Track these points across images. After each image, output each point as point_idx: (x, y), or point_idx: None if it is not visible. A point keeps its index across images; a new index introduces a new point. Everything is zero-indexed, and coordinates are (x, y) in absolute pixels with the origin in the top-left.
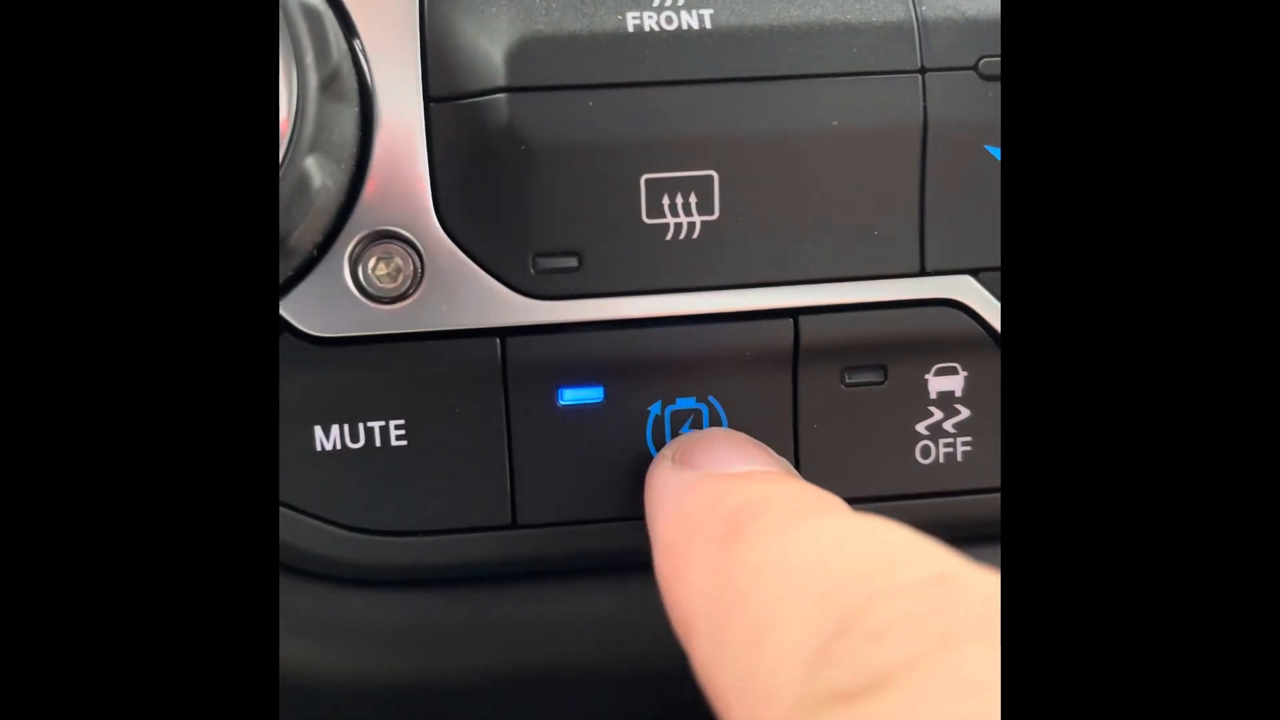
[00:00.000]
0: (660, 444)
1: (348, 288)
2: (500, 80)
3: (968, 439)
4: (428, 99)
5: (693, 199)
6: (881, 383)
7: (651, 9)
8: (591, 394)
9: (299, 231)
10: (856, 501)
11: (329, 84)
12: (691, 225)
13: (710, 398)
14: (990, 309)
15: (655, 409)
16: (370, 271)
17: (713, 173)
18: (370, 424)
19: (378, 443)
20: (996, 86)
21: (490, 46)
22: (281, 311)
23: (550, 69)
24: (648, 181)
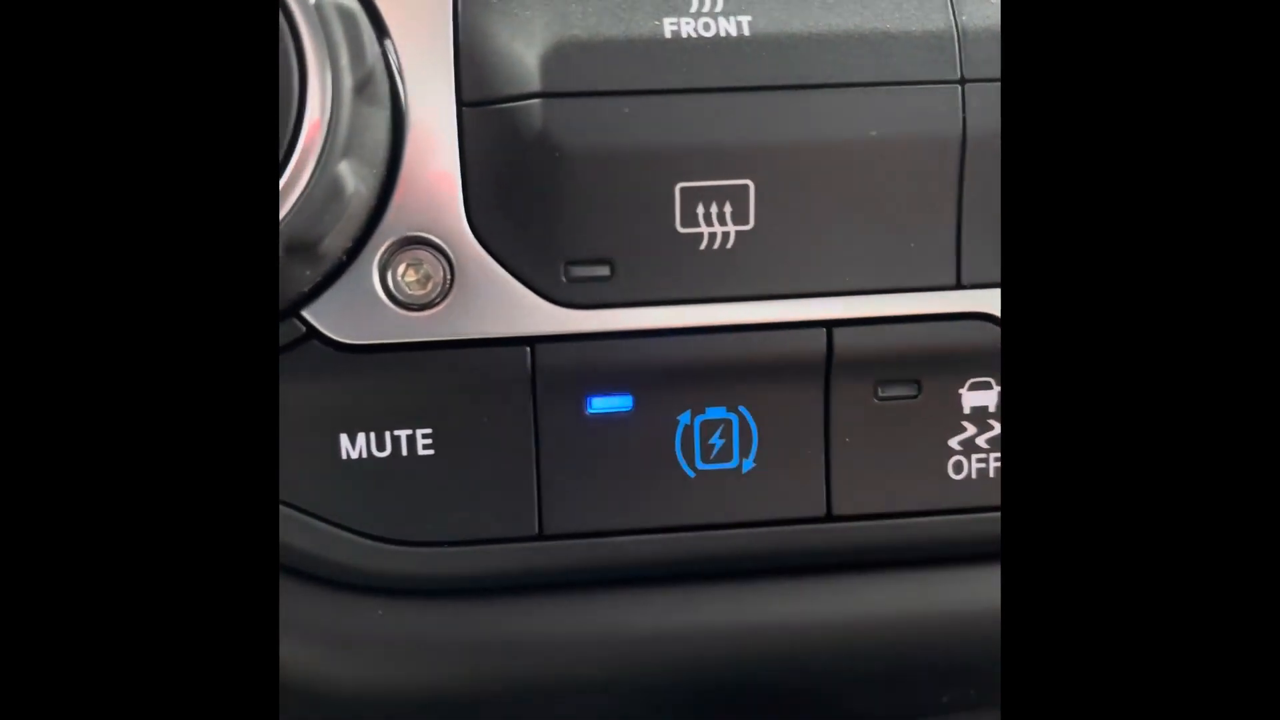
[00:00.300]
0: (689, 454)
1: (377, 294)
2: (534, 85)
3: (1001, 455)
4: (460, 103)
5: (728, 208)
6: (915, 396)
7: (689, 15)
8: (621, 403)
9: (330, 237)
10: (888, 517)
11: (363, 87)
12: (726, 235)
13: (741, 408)
14: None
15: (685, 419)
16: (400, 278)
17: (748, 182)
18: (397, 432)
19: (404, 452)
20: None
21: (525, 51)
22: (309, 317)
23: (585, 74)
24: (682, 190)
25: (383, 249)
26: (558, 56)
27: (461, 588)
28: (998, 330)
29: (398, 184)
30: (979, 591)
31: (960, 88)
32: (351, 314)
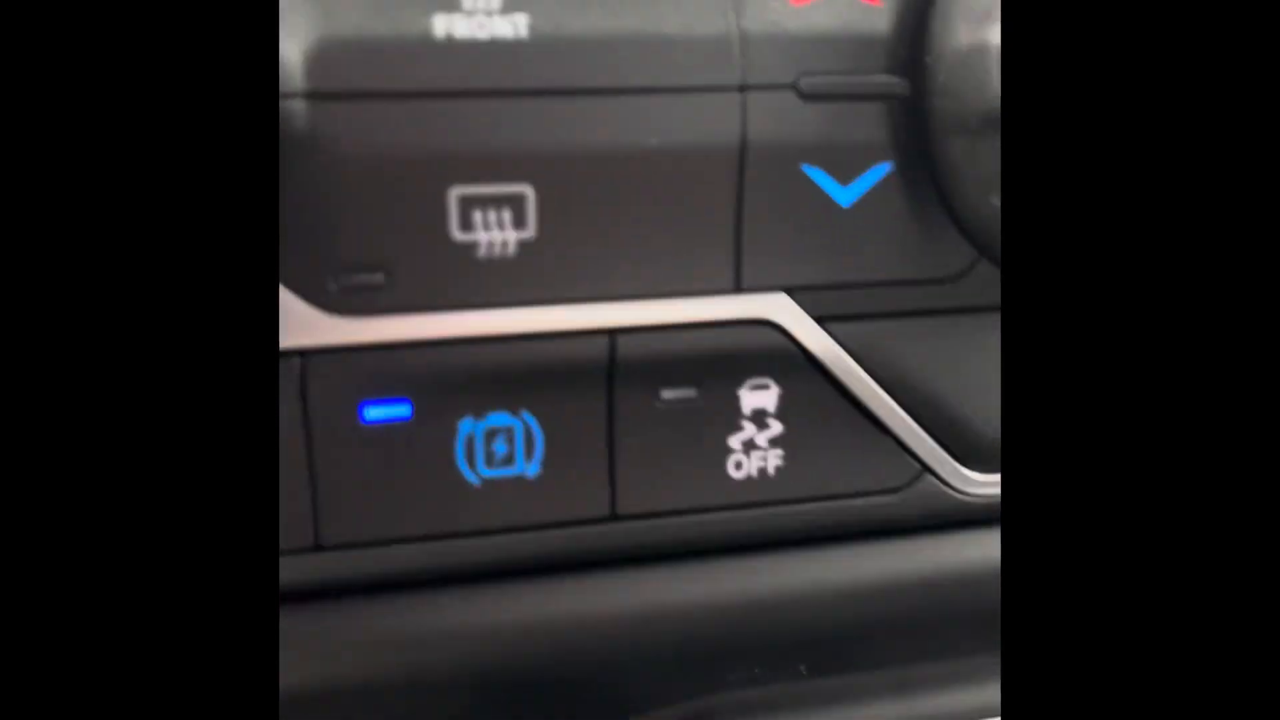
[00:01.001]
0: (472, 461)
1: None
2: (298, 84)
3: (779, 452)
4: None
5: (506, 215)
6: (696, 398)
7: (463, 12)
8: (398, 411)
9: None
10: (672, 515)
11: None
12: (505, 242)
13: (524, 413)
14: (803, 326)
15: (466, 425)
16: None
17: (527, 188)
18: None
19: None
20: (816, 106)
21: (288, 47)
22: None
23: (353, 74)
24: (458, 196)
25: None
26: (323, 54)
27: None
28: (776, 334)
29: None
30: (763, 579)
31: (740, 95)
32: None
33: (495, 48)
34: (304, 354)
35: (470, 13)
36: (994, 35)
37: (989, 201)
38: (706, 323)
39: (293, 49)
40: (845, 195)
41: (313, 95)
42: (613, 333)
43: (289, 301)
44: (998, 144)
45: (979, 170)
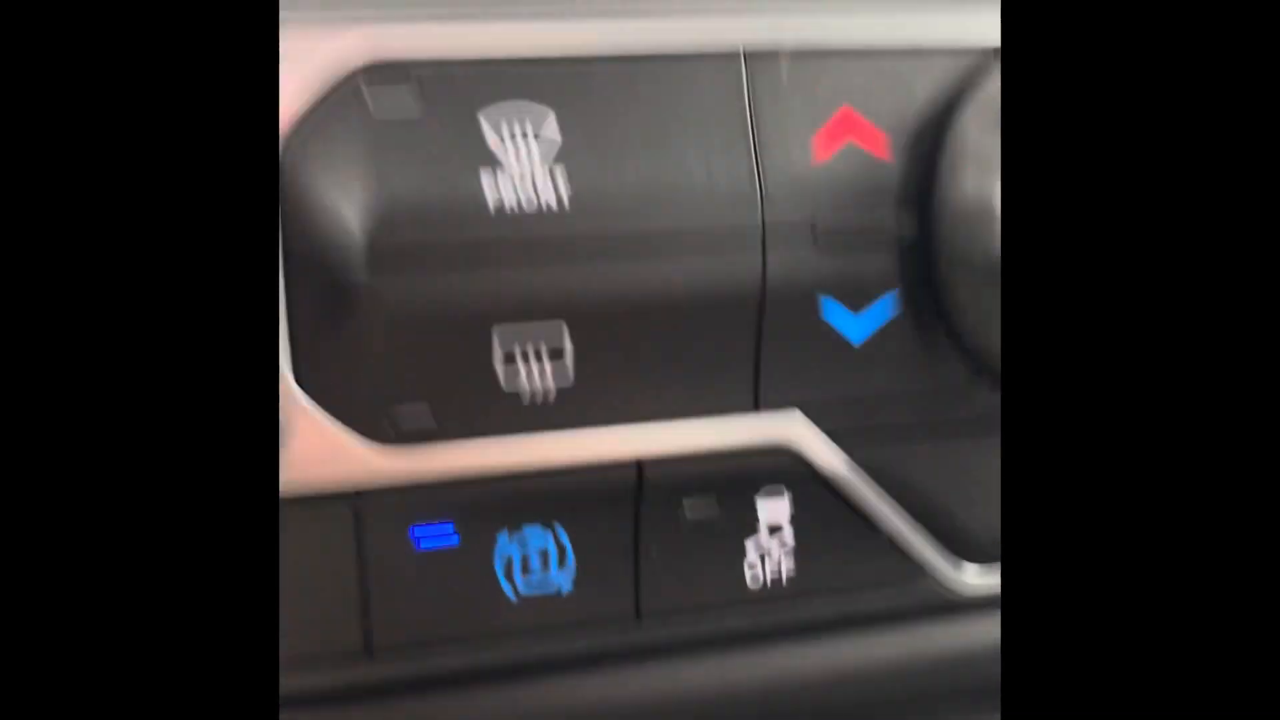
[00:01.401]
0: (509, 572)
1: None
2: (356, 241)
3: (791, 556)
4: (282, 255)
5: (547, 365)
6: (716, 512)
7: (505, 170)
8: (444, 535)
9: None
10: (689, 611)
11: None
12: (547, 390)
13: (557, 527)
14: (815, 442)
15: (503, 539)
16: None
17: (567, 340)
18: None
19: None
20: (828, 244)
21: (346, 208)
22: None
23: (407, 233)
24: (503, 348)
25: None
26: (380, 215)
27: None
28: (791, 453)
29: None
30: (774, 667)
31: (761, 238)
32: None
33: (541, 217)
34: (360, 493)
35: (512, 170)
36: (996, 188)
37: (991, 335)
38: (727, 452)
39: (350, 208)
40: (857, 325)
41: (369, 253)
42: (640, 463)
43: (345, 438)
44: (999, 288)
45: (982, 308)
